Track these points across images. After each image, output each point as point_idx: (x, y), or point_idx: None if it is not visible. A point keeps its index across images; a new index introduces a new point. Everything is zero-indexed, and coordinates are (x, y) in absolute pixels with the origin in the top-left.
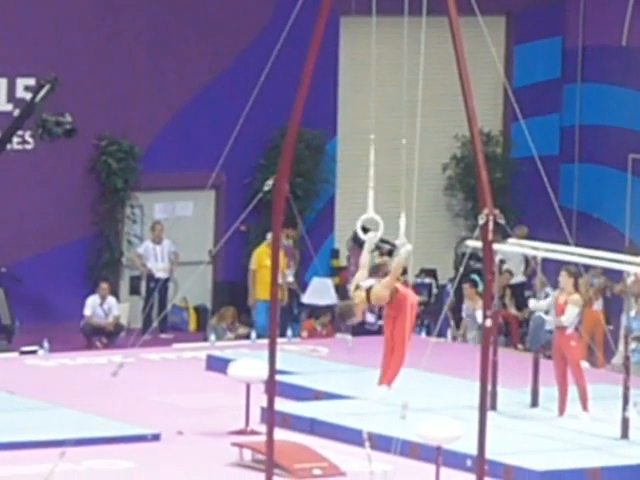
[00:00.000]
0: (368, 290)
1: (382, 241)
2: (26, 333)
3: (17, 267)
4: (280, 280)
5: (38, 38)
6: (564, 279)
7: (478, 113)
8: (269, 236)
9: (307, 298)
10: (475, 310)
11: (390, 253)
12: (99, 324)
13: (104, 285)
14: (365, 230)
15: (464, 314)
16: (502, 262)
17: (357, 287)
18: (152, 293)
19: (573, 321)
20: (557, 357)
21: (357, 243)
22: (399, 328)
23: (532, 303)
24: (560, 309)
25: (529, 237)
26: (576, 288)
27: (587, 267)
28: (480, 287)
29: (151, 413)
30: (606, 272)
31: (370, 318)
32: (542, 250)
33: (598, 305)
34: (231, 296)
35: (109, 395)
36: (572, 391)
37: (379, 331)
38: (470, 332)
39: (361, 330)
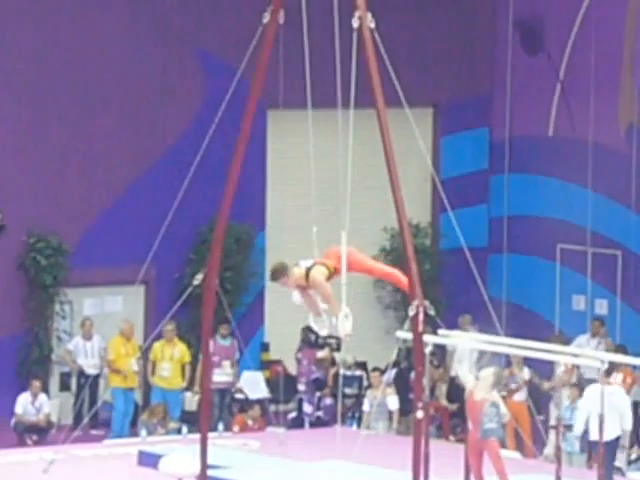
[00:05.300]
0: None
1: (329, 337)
2: None
3: None
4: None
5: None
6: (489, 378)
7: (406, 204)
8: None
9: (238, 392)
10: (385, 397)
11: (338, 347)
12: (30, 421)
13: (36, 383)
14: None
15: (366, 406)
16: (433, 354)
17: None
18: (82, 389)
19: None
20: (474, 451)
21: (306, 343)
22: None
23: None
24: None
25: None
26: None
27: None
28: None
29: None
30: (531, 363)
31: (307, 408)
32: (473, 341)
33: (521, 396)
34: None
35: None
36: None
37: (316, 423)
38: (377, 422)
39: (295, 423)
